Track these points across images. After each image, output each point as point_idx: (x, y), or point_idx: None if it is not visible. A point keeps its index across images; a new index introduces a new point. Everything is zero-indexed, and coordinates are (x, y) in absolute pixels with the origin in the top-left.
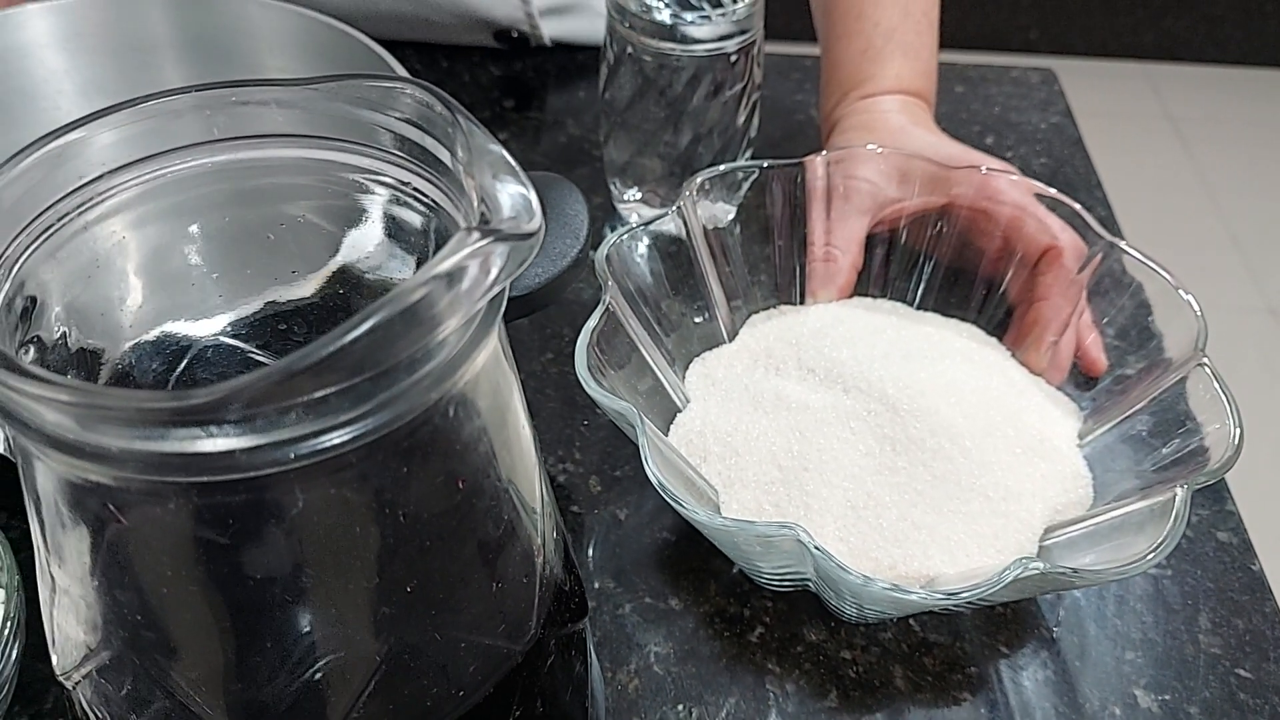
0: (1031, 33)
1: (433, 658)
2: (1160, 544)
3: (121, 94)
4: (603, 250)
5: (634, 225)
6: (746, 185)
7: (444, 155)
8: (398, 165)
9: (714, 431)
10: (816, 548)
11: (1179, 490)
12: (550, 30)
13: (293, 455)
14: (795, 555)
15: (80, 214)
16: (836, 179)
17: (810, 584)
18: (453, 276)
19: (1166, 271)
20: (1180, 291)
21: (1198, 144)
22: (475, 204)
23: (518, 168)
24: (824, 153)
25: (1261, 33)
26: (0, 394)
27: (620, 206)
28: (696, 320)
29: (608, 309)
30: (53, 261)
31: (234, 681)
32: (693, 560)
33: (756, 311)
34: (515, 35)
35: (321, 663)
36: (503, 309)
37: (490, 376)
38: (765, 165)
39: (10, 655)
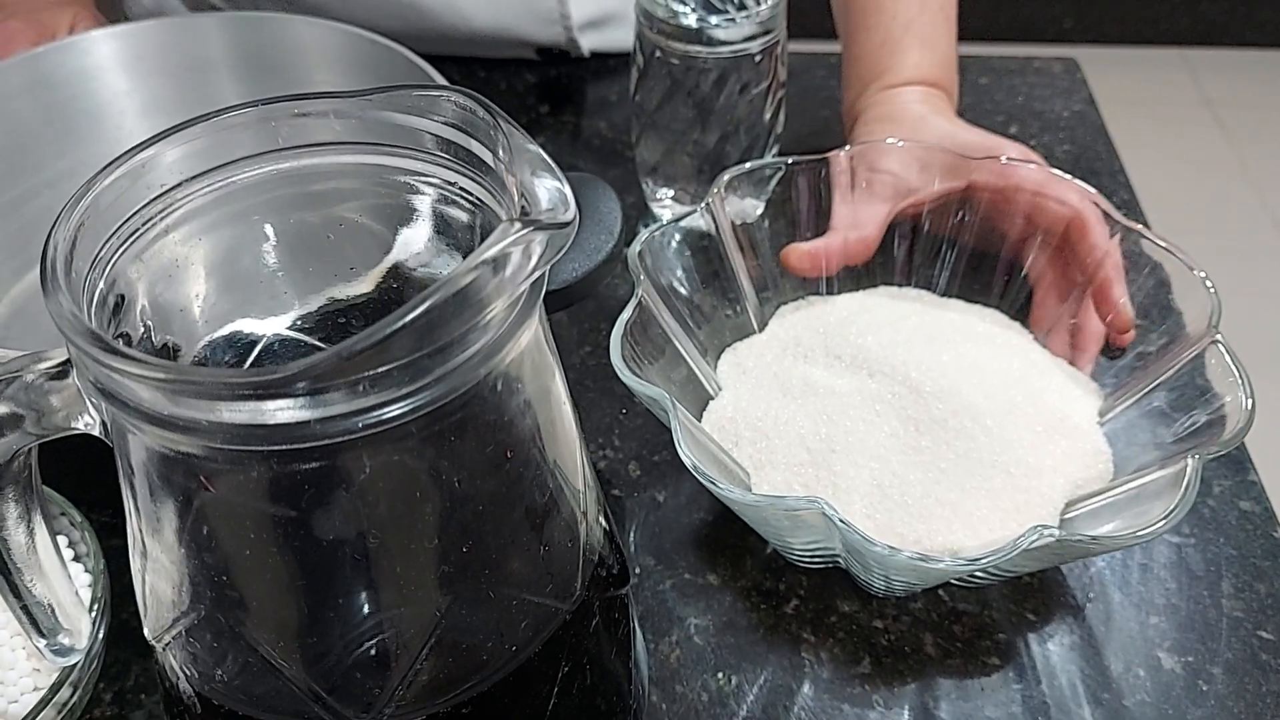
0: (1065, 22)
1: (487, 614)
2: (1171, 511)
3: (181, 112)
4: (635, 246)
5: (665, 222)
6: (774, 181)
7: (487, 156)
8: (444, 167)
9: (745, 417)
10: (841, 520)
11: (1190, 460)
12: (588, 43)
13: (360, 425)
14: (822, 530)
15: (161, 219)
16: (860, 172)
17: (840, 560)
18: (498, 262)
19: (1179, 251)
20: (1194, 270)
21: (1236, 129)
22: (516, 198)
23: (553, 164)
24: (847, 148)
25: None
26: (102, 375)
27: (653, 205)
28: (728, 313)
29: (640, 302)
30: (139, 263)
31: (309, 635)
32: (729, 539)
33: (786, 302)
34: (556, 52)
35: (387, 618)
36: (543, 293)
37: (532, 357)
38: (790, 162)
39: (99, 634)
